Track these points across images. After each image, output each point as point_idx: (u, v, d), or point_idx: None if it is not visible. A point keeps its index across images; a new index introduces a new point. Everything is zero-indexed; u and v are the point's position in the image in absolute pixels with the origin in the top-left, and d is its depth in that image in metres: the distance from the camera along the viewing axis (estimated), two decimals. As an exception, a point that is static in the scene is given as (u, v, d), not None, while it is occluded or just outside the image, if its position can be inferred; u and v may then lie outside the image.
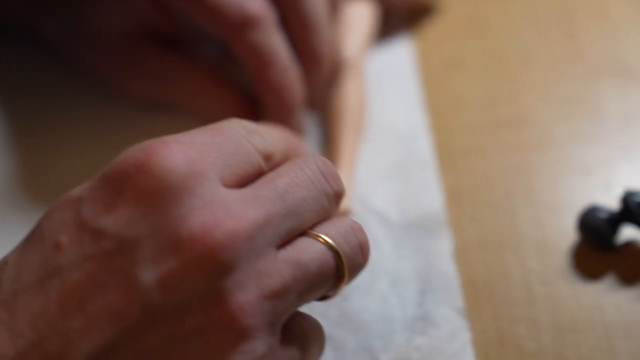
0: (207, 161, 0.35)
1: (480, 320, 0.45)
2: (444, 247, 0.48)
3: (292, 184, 0.36)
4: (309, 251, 0.36)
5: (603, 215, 0.46)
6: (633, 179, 0.50)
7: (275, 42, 0.48)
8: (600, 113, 0.53)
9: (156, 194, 0.34)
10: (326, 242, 0.37)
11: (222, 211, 0.34)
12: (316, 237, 0.37)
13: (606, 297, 0.45)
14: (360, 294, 0.47)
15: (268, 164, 0.39)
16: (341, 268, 0.37)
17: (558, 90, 0.54)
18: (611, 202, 0.48)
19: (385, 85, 0.56)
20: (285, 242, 0.36)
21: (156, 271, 0.33)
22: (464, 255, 0.48)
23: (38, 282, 0.34)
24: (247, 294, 0.34)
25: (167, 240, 0.33)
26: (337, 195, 0.39)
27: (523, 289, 0.46)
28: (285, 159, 0.40)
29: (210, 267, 0.33)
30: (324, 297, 0.38)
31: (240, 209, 0.34)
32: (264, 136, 0.39)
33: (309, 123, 0.54)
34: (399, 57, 0.57)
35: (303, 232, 0.37)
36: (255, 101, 0.51)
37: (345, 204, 0.48)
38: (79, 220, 0.34)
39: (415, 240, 0.48)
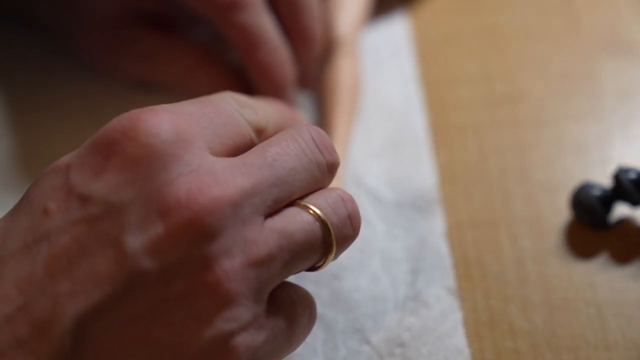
0: (195, 129, 0.35)
1: (472, 300, 0.45)
2: (436, 226, 0.48)
3: (282, 152, 0.36)
4: (295, 221, 0.36)
5: (596, 193, 0.45)
6: (629, 155, 0.49)
7: (263, 22, 0.48)
8: (597, 89, 0.52)
9: (143, 160, 0.34)
10: (314, 212, 0.36)
11: (209, 178, 0.34)
12: (304, 207, 0.36)
13: (599, 275, 0.45)
14: (351, 274, 0.46)
15: (260, 138, 0.39)
16: (329, 239, 0.37)
17: (554, 65, 0.54)
18: (607, 179, 0.47)
19: (381, 61, 0.55)
20: (273, 211, 0.36)
21: (143, 236, 0.33)
22: (456, 234, 0.47)
23: (25, 247, 0.34)
24: (233, 260, 0.34)
25: (153, 206, 0.33)
26: (331, 166, 0.38)
27: (515, 268, 0.46)
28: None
29: (195, 233, 0.33)
30: (313, 268, 0.38)
31: (227, 175, 0.34)
32: (256, 109, 0.39)
33: (303, 102, 0.54)
34: (395, 33, 0.57)
35: (292, 202, 0.37)
36: (247, 81, 0.51)
37: (336, 184, 0.47)
38: (67, 186, 0.34)
39: (408, 220, 0.48)
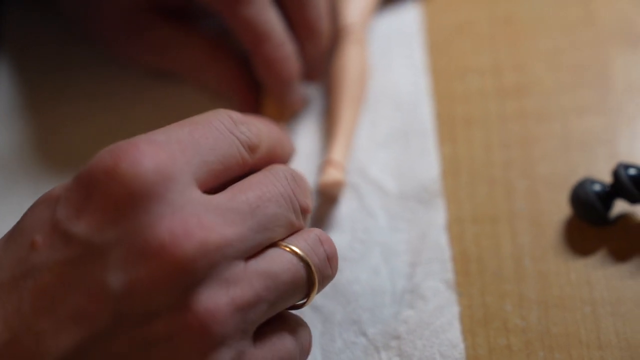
0: (180, 162, 0.35)
1: (468, 295, 0.45)
2: (438, 219, 0.48)
3: (264, 198, 0.37)
4: (280, 261, 0.37)
5: (595, 189, 0.45)
6: (636, 151, 0.49)
7: (268, 16, 0.48)
8: (606, 81, 0.52)
9: (124, 201, 0.34)
10: (296, 253, 0.37)
11: (193, 221, 0.34)
12: (286, 248, 0.37)
13: (596, 272, 0.45)
14: (352, 266, 0.47)
15: (253, 156, 0.39)
16: (312, 278, 0.38)
17: (566, 57, 0.53)
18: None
19: (390, 50, 0.55)
20: (255, 253, 0.36)
21: (124, 277, 0.33)
22: (457, 227, 0.47)
23: (13, 280, 0.35)
24: (217, 301, 0.34)
25: (135, 248, 0.33)
26: (304, 211, 0.39)
27: (513, 264, 0.46)
28: (271, 153, 0.40)
29: (178, 276, 0.33)
30: (295, 307, 0.39)
31: (211, 220, 0.35)
32: (250, 126, 0.39)
33: (312, 92, 0.54)
34: (406, 21, 0.56)
35: (273, 244, 0.37)
36: (256, 75, 0.51)
37: (338, 176, 0.48)
38: (53, 220, 0.35)
39: (410, 212, 0.48)
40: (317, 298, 0.46)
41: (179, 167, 0.35)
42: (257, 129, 0.40)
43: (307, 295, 0.38)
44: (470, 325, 0.44)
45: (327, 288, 0.46)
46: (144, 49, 0.53)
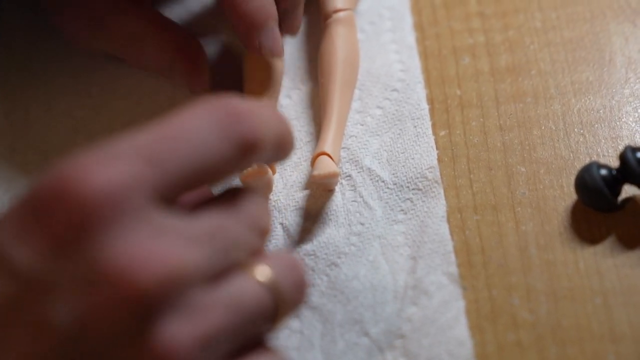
0: (139, 177, 0.32)
1: (473, 289, 0.43)
2: (437, 208, 0.46)
3: (225, 224, 0.34)
4: (244, 288, 0.34)
5: (602, 174, 0.43)
6: (640, 131, 0.47)
7: None
8: (605, 59, 0.50)
9: (71, 227, 0.31)
10: (263, 279, 0.34)
11: (148, 246, 0.31)
12: (251, 275, 0.34)
13: (605, 261, 0.43)
14: (350, 262, 0.45)
15: (251, 158, 0.35)
16: (278, 306, 0.35)
17: (560, 34, 0.51)
18: (617, 159, 0.45)
19: (381, 31, 0.53)
20: (217, 279, 0.33)
21: (72, 313, 0.30)
22: (457, 217, 0.45)
23: None
24: (177, 335, 0.31)
25: (83, 279, 0.30)
26: (265, 233, 0.36)
27: (518, 254, 0.44)
28: (275, 150, 0.36)
29: (133, 309, 0.30)
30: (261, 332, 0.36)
31: (169, 245, 0.31)
32: (253, 119, 0.34)
33: (299, 80, 0.52)
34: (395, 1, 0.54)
35: (238, 269, 0.34)
36: (197, 44, 0.48)
37: (332, 167, 0.46)
38: None
39: (408, 202, 0.46)
40: (316, 297, 0.44)
41: (137, 183, 0.31)
42: (261, 119, 0.35)
43: (273, 322, 0.35)
44: (477, 320, 0.42)
45: (325, 286, 0.44)
46: (81, 27, 0.50)
